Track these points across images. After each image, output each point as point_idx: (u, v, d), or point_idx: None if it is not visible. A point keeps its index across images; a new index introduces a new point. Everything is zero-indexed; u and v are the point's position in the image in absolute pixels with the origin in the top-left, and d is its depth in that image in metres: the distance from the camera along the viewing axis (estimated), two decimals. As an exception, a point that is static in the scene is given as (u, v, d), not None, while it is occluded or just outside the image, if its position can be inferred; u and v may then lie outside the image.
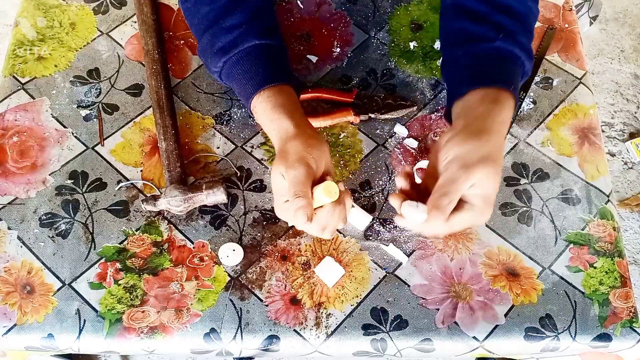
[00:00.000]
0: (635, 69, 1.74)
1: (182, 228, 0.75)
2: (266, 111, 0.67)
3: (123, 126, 0.81)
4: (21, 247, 0.73)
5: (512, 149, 0.81)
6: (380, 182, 0.78)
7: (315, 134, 0.65)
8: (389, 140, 0.81)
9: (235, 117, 0.82)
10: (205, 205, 0.75)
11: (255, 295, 0.71)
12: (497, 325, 0.70)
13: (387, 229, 0.75)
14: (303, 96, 0.82)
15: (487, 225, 0.75)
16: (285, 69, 0.72)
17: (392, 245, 0.73)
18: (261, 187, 0.77)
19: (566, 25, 0.91)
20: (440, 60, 0.78)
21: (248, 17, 0.71)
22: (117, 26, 0.89)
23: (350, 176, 0.78)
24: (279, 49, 0.73)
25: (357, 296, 0.71)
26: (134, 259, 0.73)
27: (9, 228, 0.74)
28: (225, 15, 0.71)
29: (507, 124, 0.64)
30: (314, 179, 0.62)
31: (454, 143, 0.60)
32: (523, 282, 0.72)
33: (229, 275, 0.72)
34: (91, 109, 0.82)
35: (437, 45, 0.88)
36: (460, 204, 0.59)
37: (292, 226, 0.75)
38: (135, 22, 0.89)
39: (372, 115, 0.81)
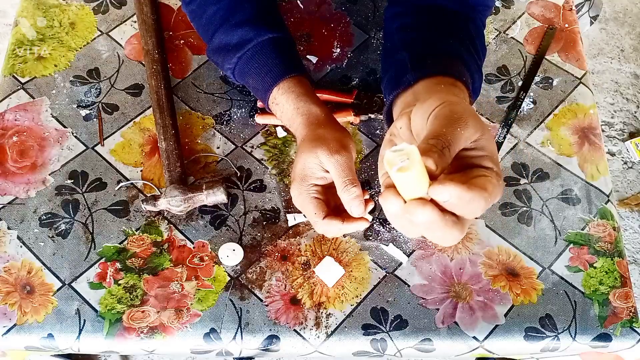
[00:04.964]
0: (635, 69, 1.74)
1: (182, 228, 0.75)
2: (290, 100, 0.67)
3: (123, 126, 0.81)
4: (21, 247, 0.73)
5: (512, 149, 0.81)
6: (381, 182, 0.78)
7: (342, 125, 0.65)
8: (389, 140, 0.81)
9: (235, 117, 0.82)
10: (205, 205, 0.75)
11: (255, 295, 0.71)
12: (497, 325, 0.70)
13: (387, 229, 0.75)
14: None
15: (487, 225, 0.75)
16: (300, 60, 0.72)
17: (392, 245, 0.73)
18: (261, 187, 0.77)
19: (566, 25, 0.91)
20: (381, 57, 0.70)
21: (256, 11, 0.70)
22: (117, 26, 0.89)
23: (350, 176, 0.78)
24: (290, 42, 0.72)
25: (357, 296, 0.71)
26: (134, 258, 0.73)
27: (8, 228, 0.74)
28: (233, 12, 0.70)
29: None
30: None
31: (429, 105, 0.48)
32: (523, 282, 0.72)
33: (229, 275, 0.72)
34: (91, 109, 0.82)
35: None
36: (473, 178, 0.43)
37: (292, 226, 0.74)
38: (135, 22, 0.89)
39: (372, 116, 0.81)
